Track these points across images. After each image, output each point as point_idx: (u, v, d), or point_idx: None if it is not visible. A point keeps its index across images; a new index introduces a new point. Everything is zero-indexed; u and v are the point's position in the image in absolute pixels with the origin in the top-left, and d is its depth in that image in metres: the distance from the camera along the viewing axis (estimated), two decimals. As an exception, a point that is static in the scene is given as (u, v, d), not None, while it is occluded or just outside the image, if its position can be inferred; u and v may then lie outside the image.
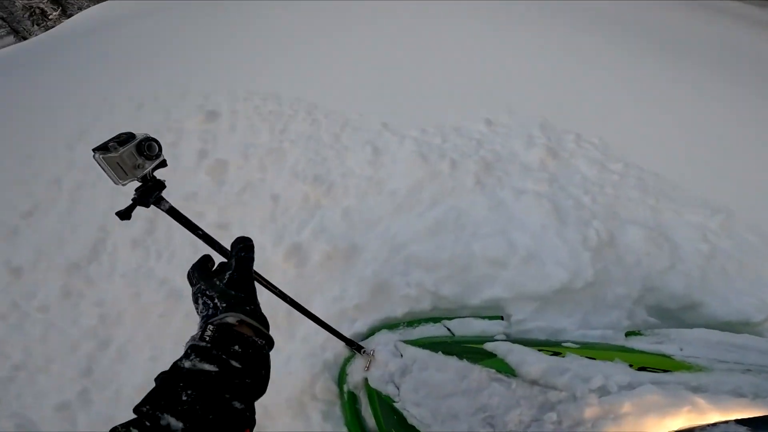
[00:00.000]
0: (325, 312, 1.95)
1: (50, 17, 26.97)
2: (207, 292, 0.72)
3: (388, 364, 1.66)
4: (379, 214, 2.29)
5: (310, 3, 5.73)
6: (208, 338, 0.63)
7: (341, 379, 1.83)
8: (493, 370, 1.49)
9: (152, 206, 0.81)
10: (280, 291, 1.20)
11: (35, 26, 30.11)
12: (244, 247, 0.79)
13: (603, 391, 1.33)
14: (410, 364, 1.62)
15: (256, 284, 0.84)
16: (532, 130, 2.90)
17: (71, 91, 4.94)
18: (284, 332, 2.03)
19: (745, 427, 1.12)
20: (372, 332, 1.93)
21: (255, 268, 0.84)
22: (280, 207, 2.46)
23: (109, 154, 0.70)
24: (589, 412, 1.29)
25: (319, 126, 3.03)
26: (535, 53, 4.00)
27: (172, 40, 5.83)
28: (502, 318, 1.96)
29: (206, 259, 0.80)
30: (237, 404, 0.58)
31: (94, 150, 0.71)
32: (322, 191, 2.46)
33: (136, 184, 0.78)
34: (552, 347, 1.68)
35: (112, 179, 0.71)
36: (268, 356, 0.69)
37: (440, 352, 1.61)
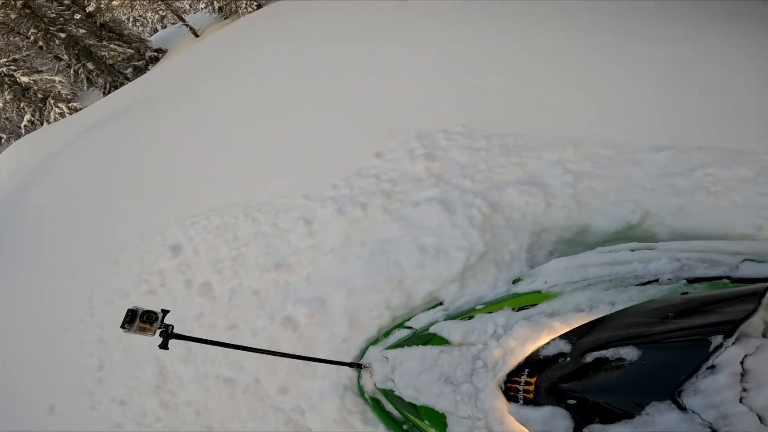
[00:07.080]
0: (327, 352, 2.53)
1: None
2: None
3: (383, 369, 2.21)
4: (330, 268, 2.98)
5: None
6: None
7: (361, 391, 2.36)
8: (438, 346, 1.99)
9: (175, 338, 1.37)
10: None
11: None
12: None
13: (497, 336, 1.84)
14: (394, 362, 2.16)
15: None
16: (411, 144, 3.43)
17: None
18: (309, 377, 2.59)
19: (565, 340, 1.49)
20: (363, 352, 2.48)
21: (264, 345, 1.50)
22: (262, 297, 3.12)
23: (129, 331, 1.26)
24: (497, 353, 1.73)
25: (259, 222, 3.62)
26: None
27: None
28: (441, 303, 2.43)
29: None
30: None
31: (121, 327, 1.26)
32: (284, 272, 3.14)
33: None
34: (467, 314, 2.12)
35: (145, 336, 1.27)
36: None
37: (406, 346, 2.15)
